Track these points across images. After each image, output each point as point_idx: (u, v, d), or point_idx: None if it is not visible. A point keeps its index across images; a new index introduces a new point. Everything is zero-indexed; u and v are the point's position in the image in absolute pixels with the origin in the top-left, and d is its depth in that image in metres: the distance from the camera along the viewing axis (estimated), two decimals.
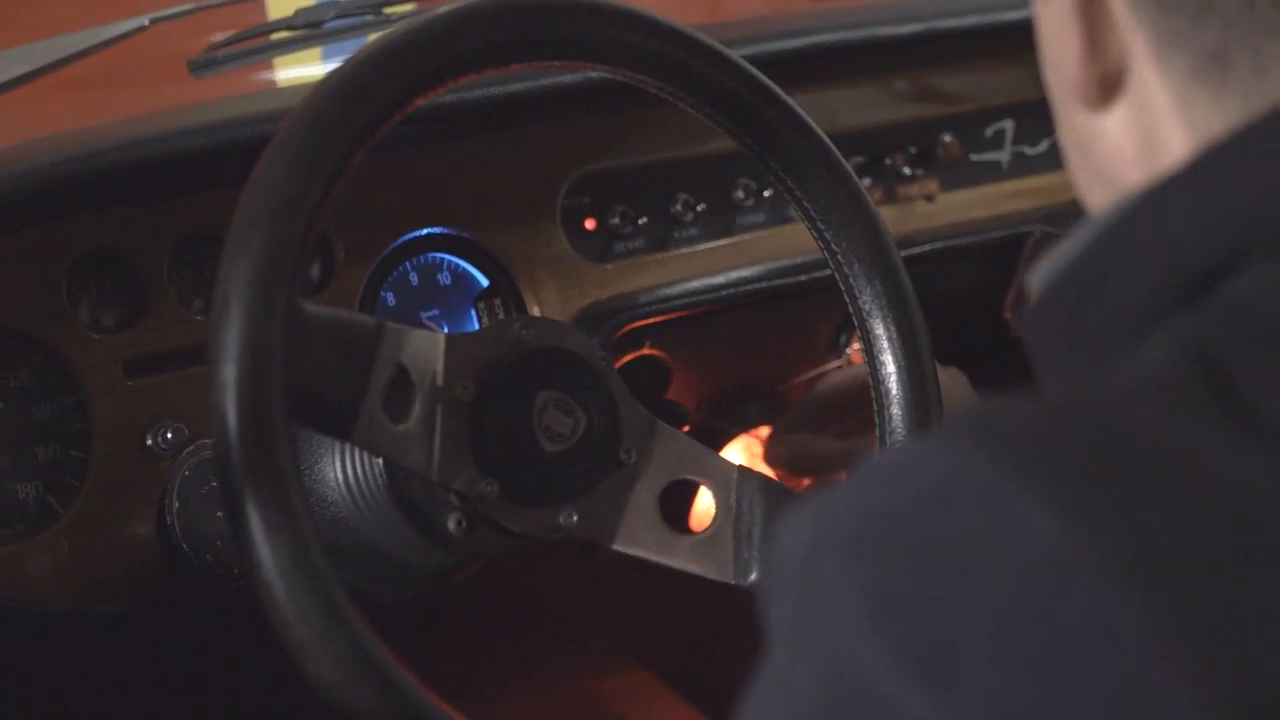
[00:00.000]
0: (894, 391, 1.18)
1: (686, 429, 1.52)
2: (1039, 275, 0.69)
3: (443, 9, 1.05)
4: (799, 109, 1.17)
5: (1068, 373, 0.67)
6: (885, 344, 1.18)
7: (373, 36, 1.08)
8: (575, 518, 1.10)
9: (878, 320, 1.19)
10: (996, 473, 0.54)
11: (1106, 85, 0.66)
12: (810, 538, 0.56)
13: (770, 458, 1.44)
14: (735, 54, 1.15)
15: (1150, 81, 0.65)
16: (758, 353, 1.57)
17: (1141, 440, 0.54)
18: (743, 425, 1.55)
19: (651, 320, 1.46)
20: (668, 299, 1.47)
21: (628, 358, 1.47)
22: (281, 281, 0.95)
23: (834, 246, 1.19)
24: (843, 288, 1.19)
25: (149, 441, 1.26)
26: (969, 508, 0.54)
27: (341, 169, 0.99)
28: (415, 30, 1.03)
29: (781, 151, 1.17)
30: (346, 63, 1.02)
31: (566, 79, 1.41)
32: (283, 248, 0.96)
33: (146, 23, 1.50)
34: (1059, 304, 0.67)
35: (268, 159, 0.98)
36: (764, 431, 1.52)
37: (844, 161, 1.18)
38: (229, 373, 0.93)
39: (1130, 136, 0.67)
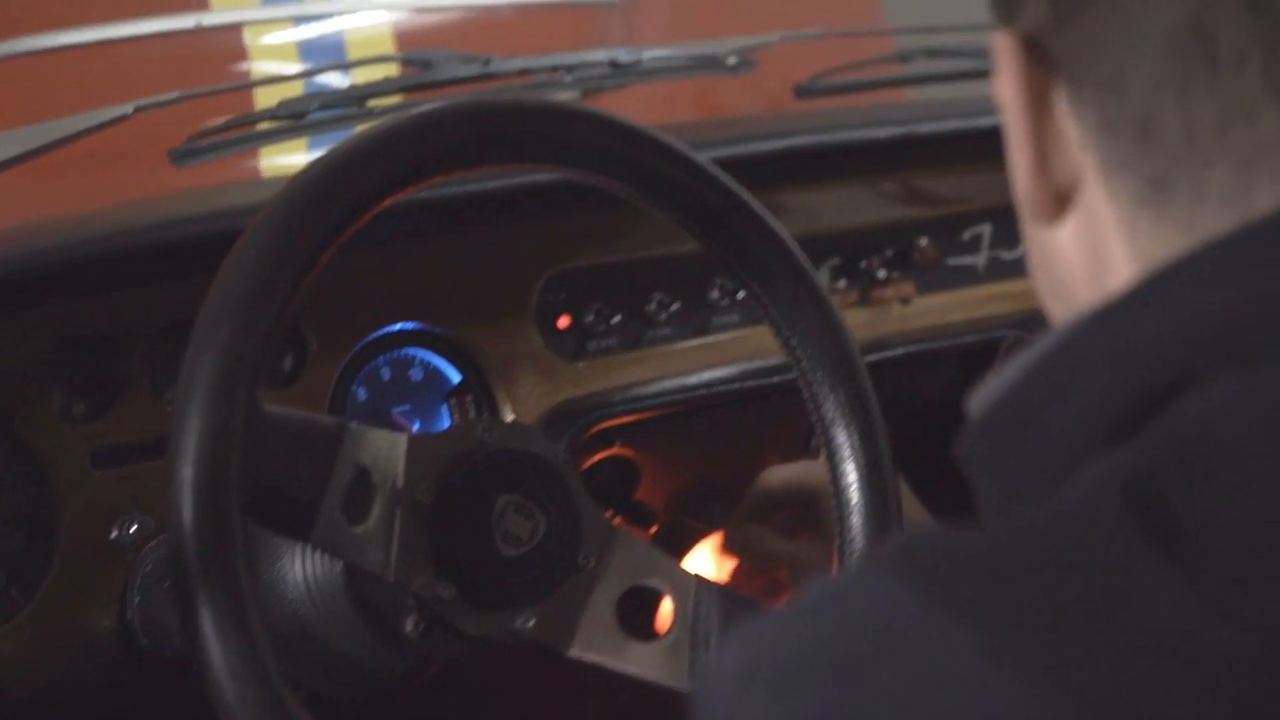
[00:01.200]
0: (854, 500, 1.19)
1: (655, 528, 1.52)
2: (977, 399, 0.70)
3: (417, 110, 1.07)
4: (767, 215, 1.18)
5: (1006, 499, 0.67)
6: (846, 452, 1.19)
7: (358, 128, 1.09)
8: (532, 622, 1.10)
9: (839, 428, 1.19)
10: (927, 608, 0.54)
11: (1059, 199, 0.68)
12: (743, 664, 0.57)
13: (724, 546, 1.44)
14: (705, 159, 1.16)
15: (1099, 200, 0.66)
16: (728, 453, 1.58)
17: (1073, 574, 0.54)
18: (712, 525, 1.55)
19: (623, 419, 1.47)
20: (640, 398, 1.48)
21: (598, 456, 1.47)
22: (243, 381, 0.96)
23: (798, 354, 1.19)
24: (805, 395, 1.20)
25: (114, 533, 1.26)
26: (899, 642, 0.54)
27: (309, 267, 1.00)
28: (387, 130, 1.04)
29: (748, 258, 1.18)
30: (318, 161, 1.03)
31: (542, 178, 1.42)
32: (246, 347, 0.96)
33: (130, 110, 1.51)
34: (998, 430, 0.67)
35: (235, 256, 0.99)
36: None
37: (810, 269, 1.19)
38: (187, 472, 0.94)
39: (1080, 251, 0.68)
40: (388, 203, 1.05)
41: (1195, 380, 0.60)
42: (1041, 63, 0.66)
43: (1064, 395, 0.64)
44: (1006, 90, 0.67)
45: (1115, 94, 0.63)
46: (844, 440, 1.19)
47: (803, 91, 1.78)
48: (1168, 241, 0.64)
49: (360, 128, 1.09)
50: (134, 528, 1.26)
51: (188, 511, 0.94)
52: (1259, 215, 0.62)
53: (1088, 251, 0.68)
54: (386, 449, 1.06)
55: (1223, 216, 0.62)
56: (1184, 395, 0.60)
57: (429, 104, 1.08)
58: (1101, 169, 0.65)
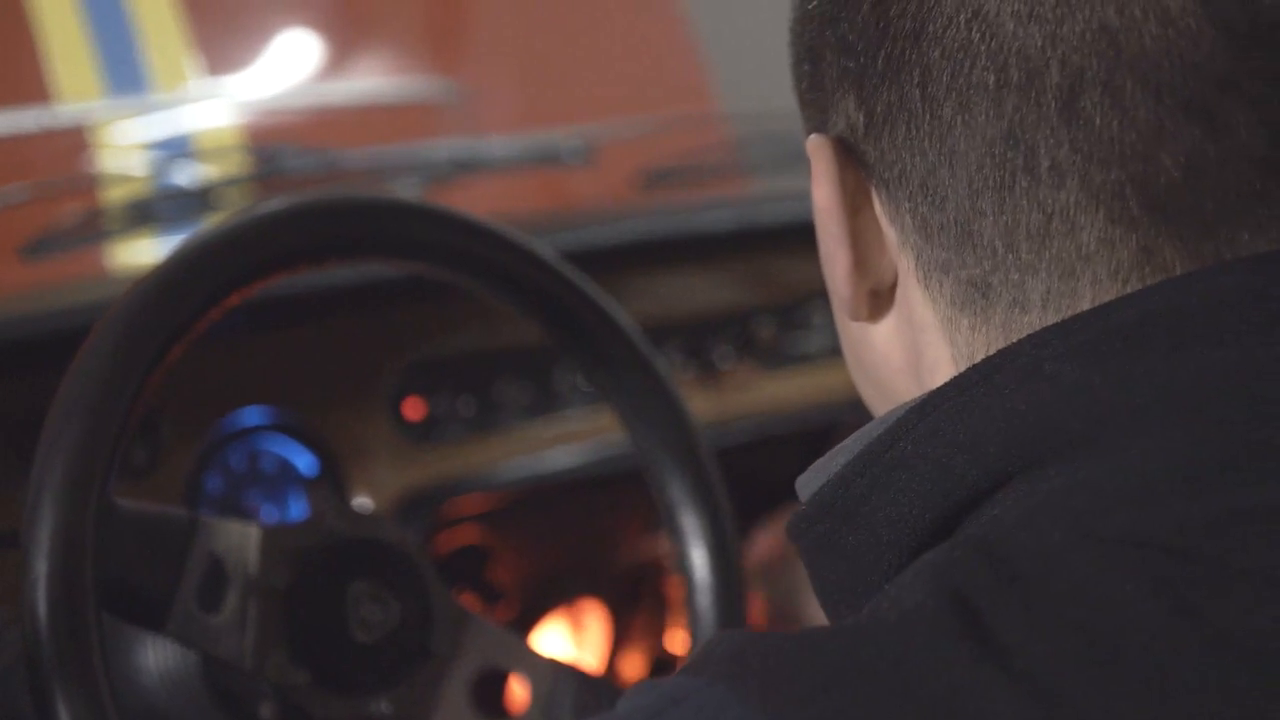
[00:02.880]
0: (701, 582, 1.21)
1: (508, 606, 1.54)
2: (804, 483, 0.71)
3: (262, 207, 1.08)
4: (608, 304, 1.20)
5: (834, 590, 0.69)
6: (692, 535, 1.21)
7: (205, 223, 1.11)
8: (388, 708, 1.11)
9: (684, 512, 1.22)
10: (753, 712, 0.56)
11: (875, 298, 0.69)
12: None
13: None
14: (545, 250, 1.19)
15: (917, 301, 0.68)
16: (578, 533, 1.60)
17: (898, 675, 0.55)
18: (562, 601, 1.57)
19: (475, 502, 1.49)
20: (491, 481, 1.50)
21: (451, 538, 1.49)
22: (94, 478, 0.97)
23: (642, 439, 1.22)
24: (650, 479, 1.22)
25: None
26: None
27: (156, 365, 1.01)
28: (232, 228, 1.06)
29: (590, 347, 1.20)
30: (164, 260, 1.04)
31: (391, 271, 1.44)
32: (95, 444, 0.98)
33: None
34: (824, 519, 0.68)
35: (83, 355, 1.00)
36: (581, 605, 1.55)
37: (652, 356, 1.22)
38: (40, 567, 0.95)
39: (898, 348, 0.70)
40: (235, 300, 1.06)
41: (1011, 483, 0.61)
42: (857, 166, 0.67)
43: (886, 490, 0.65)
44: (821, 192, 0.68)
45: (933, 199, 0.64)
46: (689, 523, 1.22)
47: (646, 180, 1.82)
48: (988, 342, 0.65)
49: (207, 223, 1.10)
50: None
51: (42, 607, 0.95)
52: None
53: (906, 350, 0.69)
54: (239, 540, 1.08)
55: (1044, 320, 0.63)
56: (999, 498, 0.62)
57: (274, 200, 1.10)
58: (919, 271, 0.67)
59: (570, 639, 1.59)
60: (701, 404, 1.60)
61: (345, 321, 1.49)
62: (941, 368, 0.67)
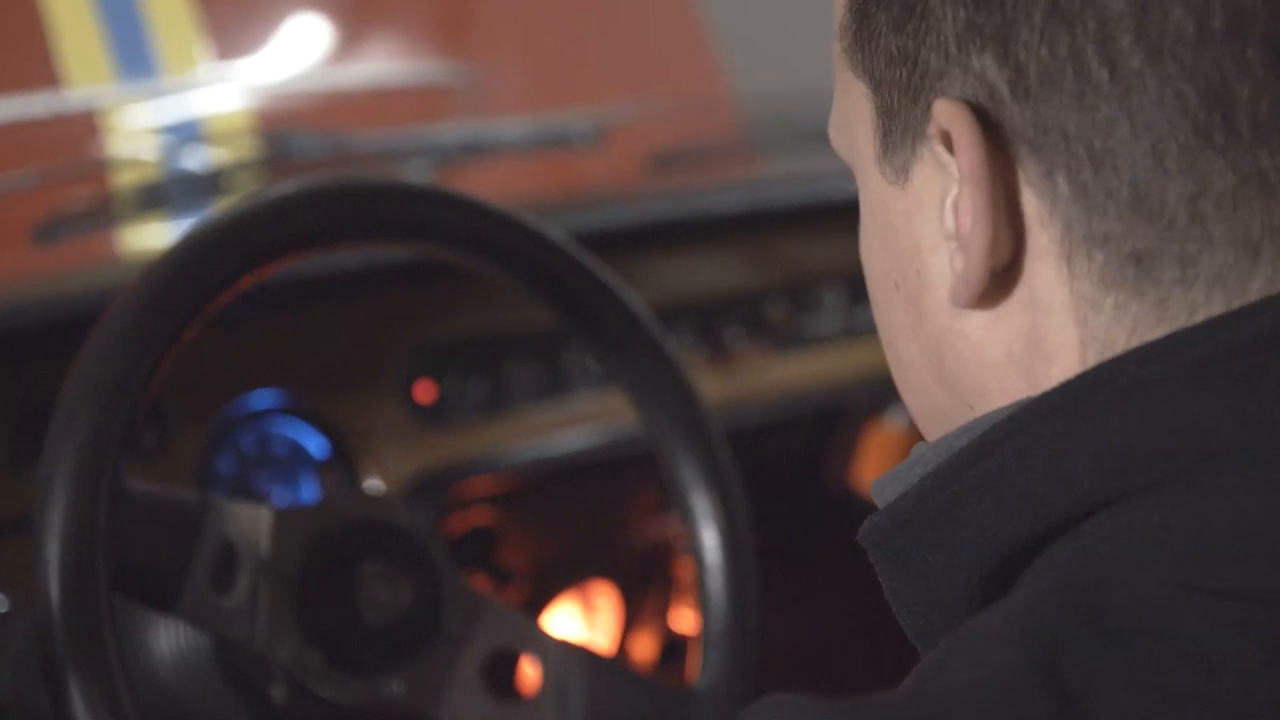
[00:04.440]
0: (712, 563, 1.22)
1: (519, 588, 1.54)
2: (879, 488, 0.68)
3: (273, 190, 1.09)
4: (617, 286, 1.21)
5: (906, 598, 0.66)
6: (701, 518, 1.22)
7: (216, 207, 1.12)
8: (400, 689, 1.12)
9: (695, 493, 1.22)
10: None
11: (992, 279, 0.64)
12: None
13: None
14: (556, 232, 1.19)
15: (1047, 280, 0.62)
16: (589, 514, 1.61)
17: None
18: (573, 583, 1.58)
19: (486, 484, 1.49)
20: (501, 463, 1.50)
21: (462, 520, 1.50)
22: (106, 461, 0.98)
23: (652, 421, 1.22)
24: (661, 460, 1.23)
25: None
26: None
27: (169, 348, 1.02)
28: (244, 212, 1.06)
29: (601, 329, 1.21)
30: (176, 243, 1.05)
31: (401, 253, 1.44)
32: (108, 428, 0.98)
33: None
34: (897, 532, 0.65)
35: (95, 339, 1.01)
36: (592, 587, 1.55)
37: (662, 337, 1.22)
38: (52, 550, 0.95)
39: (1002, 336, 0.64)
40: (246, 283, 1.07)
41: (1102, 508, 0.58)
42: (994, 131, 0.62)
43: (967, 508, 0.62)
44: (969, 163, 0.62)
45: (1103, 164, 0.60)
46: (699, 505, 1.22)
47: (655, 162, 1.83)
48: (1137, 324, 0.61)
49: (217, 207, 1.10)
50: (0, 604, 1.26)
51: (55, 591, 0.95)
52: (1242, 306, 0.59)
53: (1014, 339, 0.64)
54: (250, 522, 1.08)
55: (1209, 300, 0.60)
56: (1090, 523, 0.59)
57: (285, 183, 1.10)
58: (1065, 245, 0.61)
59: (581, 621, 1.59)
60: (712, 385, 1.60)
61: (356, 304, 1.49)
62: (1063, 355, 0.62)
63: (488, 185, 1.37)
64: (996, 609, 0.58)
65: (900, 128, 0.65)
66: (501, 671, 1.21)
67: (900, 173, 0.66)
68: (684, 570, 1.65)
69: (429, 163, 1.72)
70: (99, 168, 1.75)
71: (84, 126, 1.79)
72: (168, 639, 1.16)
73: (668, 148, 1.84)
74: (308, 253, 1.10)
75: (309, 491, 1.44)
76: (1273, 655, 0.52)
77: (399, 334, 1.50)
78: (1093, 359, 0.62)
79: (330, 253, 1.13)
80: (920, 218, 0.66)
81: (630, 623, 1.66)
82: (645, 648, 1.67)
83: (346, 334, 1.48)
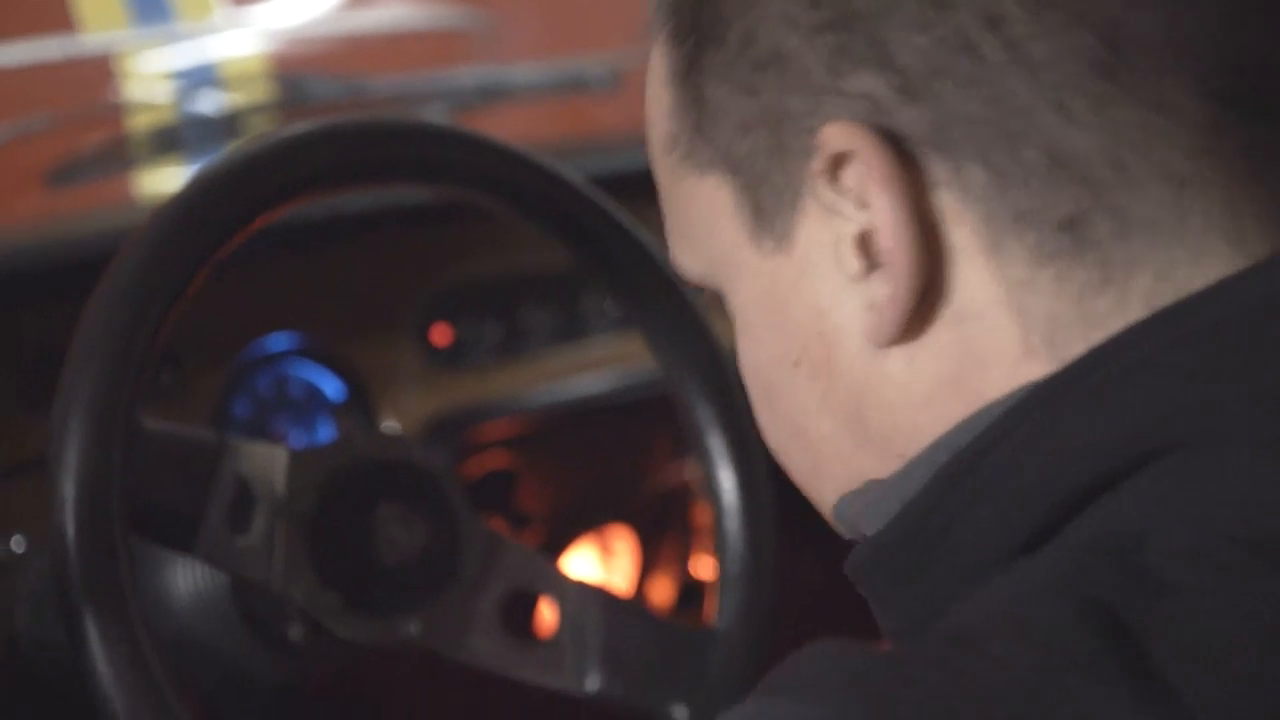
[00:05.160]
0: (730, 505, 1.21)
1: (536, 532, 1.54)
2: (863, 513, 0.65)
3: (283, 132, 1.08)
4: (635, 228, 1.20)
5: (907, 617, 0.63)
6: (718, 460, 1.21)
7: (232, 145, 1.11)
8: (417, 629, 1.12)
9: (713, 436, 1.21)
10: None
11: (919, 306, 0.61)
12: None
13: None
14: (572, 174, 1.19)
15: (971, 283, 0.60)
16: (606, 457, 1.60)
17: (1032, 708, 0.50)
18: (590, 527, 1.57)
19: (502, 427, 1.49)
20: (519, 407, 1.50)
21: (479, 464, 1.49)
22: (121, 400, 0.97)
23: (670, 367, 1.22)
24: (677, 402, 1.22)
25: None
26: None
27: (183, 288, 1.01)
28: (255, 152, 1.05)
29: (618, 270, 1.20)
30: (188, 183, 1.04)
31: (417, 195, 1.44)
32: (123, 368, 0.98)
33: (2, 138, 1.52)
34: (901, 549, 0.62)
35: (109, 279, 1.00)
36: (609, 531, 1.55)
37: (679, 283, 1.21)
38: (68, 488, 0.95)
39: (928, 368, 0.62)
40: (260, 224, 1.06)
41: (1119, 481, 0.56)
42: (892, 146, 0.60)
43: (969, 512, 0.59)
44: (880, 178, 0.59)
45: (1010, 137, 0.58)
46: (716, 447, 1.21)
47: None
48: (1083, 292, 0.59)
49: (230, 147, 1.10)
50: (14, 545, 1.26)
51: (70, 527, 0.95)
52: (1180, 272, 0.57)
53: (948, 361, 0.61)
54: (267, 462, 1.08)
55: (1151, 247, 0.58)
56: (1106, 497, 0.56)
57: (298, 124, 1.09)
58: (987, 236, 0.59)
59: (599, 565, 1.59)
60: (728, 328, 1.59)
61: (372, 247, 1.49)
62: (1005, 357, 0.60)
63: (505, 129, 1.36)
64: (1019, 573, 0.56)
65: (773, 193, 0.63)
66: (519, 612, 1.21)
67: (782, 239, 0.64)
68: (702, 514, 1.64)
69: (446, 107, 1.72)
70: (114, 111, 1.75)
71: (99, 70, 1.79)
72: (185, 579, 1.15)
73: None
74: (320, 194, 1.09)
75: (326, 434, 1.44)
76: None
77: (415, 277, 1.49)
78: (1040, 344, 0.59)
79: (343, 194, 1.12)
80: (814, 276, 0.63)
81: (648, 567, 1.65)
82: (663, 591, 1.67)
83: (363, 277, 1.48)
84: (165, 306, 1.00)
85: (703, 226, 0.67)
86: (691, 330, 1.22)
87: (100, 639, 0.94)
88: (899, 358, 0.62)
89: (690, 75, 0.65)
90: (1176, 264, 0.58)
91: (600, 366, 1.55)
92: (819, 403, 0.65)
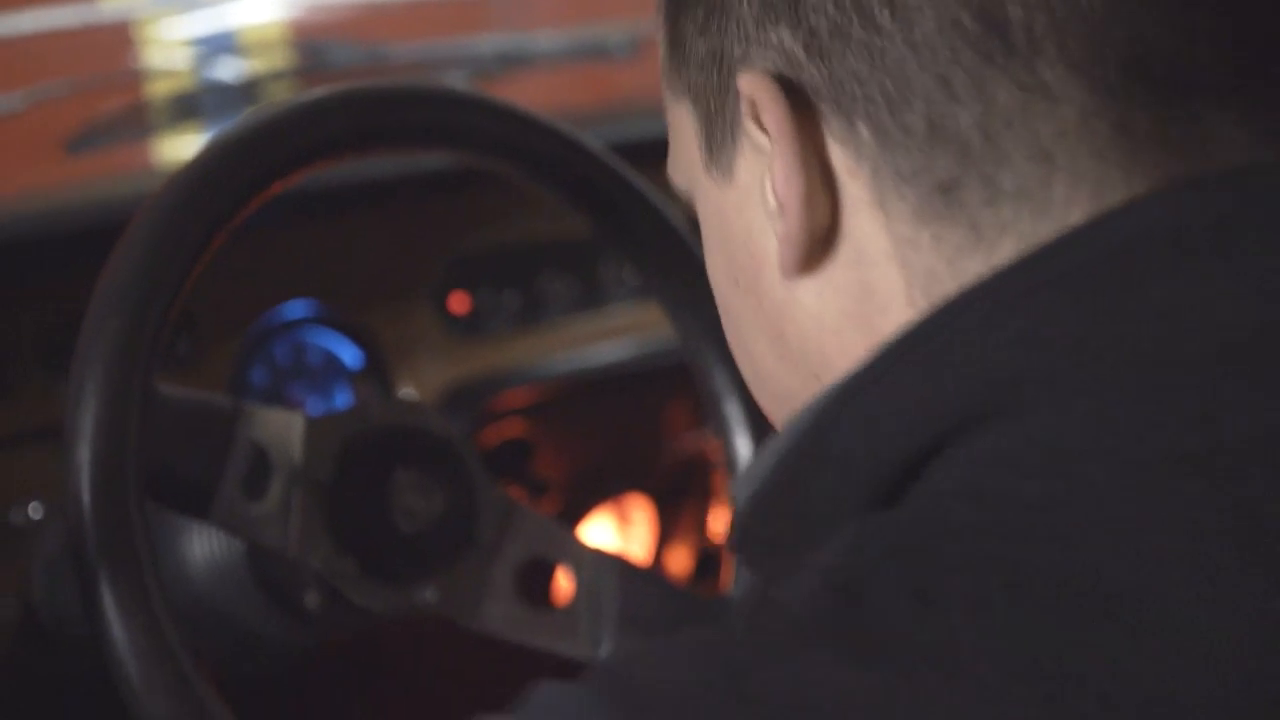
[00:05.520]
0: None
1: (553, 500, 1.54)
2: (739, 487, 0.69)
3: (300, 97, 1.08)
4: (653, 195, 1.19)
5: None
6: (735, 427, 1.21)
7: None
8: (433, 596, 1.12)
9: (730, 403, 1.21)
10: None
11: (812, 246, 0.65)
12: None
13: None
14: (590, 140, 1.18)
15: (866, 232, 0.64)
16: (624, 426, 1.60)
17: (758, 685, 0.54)
18: (608, 495, 1.57)
19: (520, 396, 1.49)
20: (537, 375, 1.50)
21: (496, 432, 1.49)
22: (137, 365, 0.97)
23: (687, 335, 1.21)
24: (694, 369, 1.22)
25: (13, 516, 1.26)
26: None
27: (199, 253, 1.01)
28: (271, 117, 1.05)
29: (635, 237, 1.19)
30: (204, 149, 1.04)
31: (436, 162, 1.43)
32: (138, 332, 0.97)
33: (22, 101, 1.52)
34: (763, 519, 0.67)
35: (125, 244, 1.00)
36: (627, 500, 1.55)
37: (698, 250, 1.21)
38: (83, 454, 0.95)
39: (835, 299, 0.66)
40: (276, 189, 1.06)
41: (936, 454, 0.59)
42: (796, 96, 0.64)
43: (814, 480, 0.63)
44: (774, 121, 0.64)
45: (897, 101, 0.62)
46: (733, 414, 1.21)
47: None
48: (956, 252, 0.62)
49: (246, 113, 1.09)
50: (33, 511, 1.27)
51: (86, 493, 0.95)
52: (1042, 240, 0.60)
53: (848, 297, 0.65)
54: (283, 428, 1.08)
55: (1017, 215, 0.61)
56: (926, 469, 0.60)
57: (313, 90, 1.09)
58: (873, 191, 0.63)
59: (616, 533, 1.59)
60: None
61: (391, 215, 1.48)
62: (893, 303, 0.64)
63: (525, 96, 1.35)
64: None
65: (721, 128, 0.68)
66: (535, 580, 1.21)
67: (726, 171, 0.69)
68: (719, 483, 1.64)
69: (466, 74, 1.71)
70: (133, 78, 1.75)
71: (118, 37, 1.79)
72: (202, 546, 1.15)
73: None
74: (336, 160, 1.08)
75: (343, 402, 1.44)
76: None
77: (434, 245, 1.49)
78: (919, 297, 0.63)
79: (359, 160, 1.11)
80: (748, 206, 0.68)
81: (665, 536, 1.65)
82: (680, 560, 1.67)
83: (381, 245, 1.47)
84: (181, 272, 1.00)
85: (681, 147, 0.72)
86: (709, 298, 1.21)
87: (115, 605, 0.94)
88: (809, 288, 0.66)
89: (669, 10, 0.71)
90: (1039, 234, 0.61)
91: (619, 335, 1.55)
92: (752, 318, 0.71)
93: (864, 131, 0.63)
